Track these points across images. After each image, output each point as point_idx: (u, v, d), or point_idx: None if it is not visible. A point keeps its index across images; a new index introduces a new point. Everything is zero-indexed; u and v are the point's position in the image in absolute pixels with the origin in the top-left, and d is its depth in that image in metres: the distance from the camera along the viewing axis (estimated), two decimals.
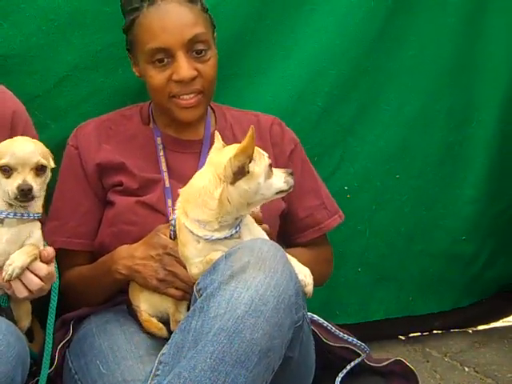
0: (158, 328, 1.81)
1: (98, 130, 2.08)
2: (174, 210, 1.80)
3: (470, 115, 2.79)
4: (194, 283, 1.63)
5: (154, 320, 1.82)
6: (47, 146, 2.11)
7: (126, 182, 1.99)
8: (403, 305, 2.84)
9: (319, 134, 2.55)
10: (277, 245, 1.62)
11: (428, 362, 2.72)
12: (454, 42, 2.71)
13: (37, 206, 1.72)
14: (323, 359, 1.91)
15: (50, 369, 1.82)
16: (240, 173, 1.63)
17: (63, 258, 1.85)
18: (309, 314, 1.78)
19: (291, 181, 1.70)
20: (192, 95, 1.96)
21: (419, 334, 2.99)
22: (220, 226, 1.66)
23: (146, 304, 1.84)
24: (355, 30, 2.54)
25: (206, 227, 1.66)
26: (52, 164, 1.74)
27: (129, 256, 1.84)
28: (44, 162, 1.68)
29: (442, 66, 2.70)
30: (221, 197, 1.63)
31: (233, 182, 1.63)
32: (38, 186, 1.66)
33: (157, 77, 1.97)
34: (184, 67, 1.93)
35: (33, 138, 1.98)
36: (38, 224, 1.74)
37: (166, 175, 2.00)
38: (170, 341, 1.55)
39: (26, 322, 1.82)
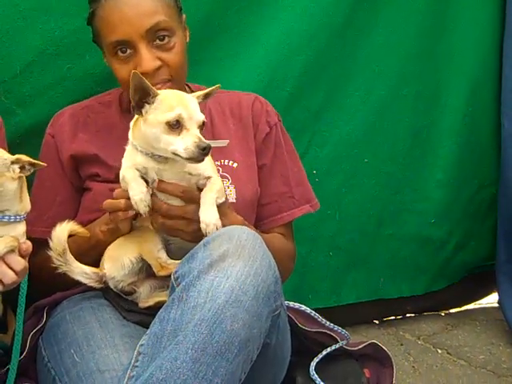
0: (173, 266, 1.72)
1: (75, 118, 2.06)
2: None
3: (437, 100, 2.83)
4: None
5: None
6: (15, 132, 2.15)
7: (102, 174, 1.98)
8: (375, 288, 2.87)
9: (288, 118, 2.53)
10: (255, 233, 1.61)
11: (402, 345, 2.76)
12: (421, 28, 2.74)
13: (19, 208, 1.69)
14: (298, 344, 1.91)
15: (20, 356, 1.80)
16: (137, 104, 1.68)
17: (40, 248, 1.81)
18: (287, 302, 1.78)
19: (195, 153, 1.60)
20: (159, 85, 1.91)
21: (393, 317, 3.02)
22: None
23: (109, 262, 1.82)
24: (322, 15, 2.56)
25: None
26: (15, 174, 1.65)
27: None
28: None
29: (410, 51, 2.73)
30: (134, 125, 1.73)
31: (134, 109, 1.69)
32: None
33: (121, 70, 1.93)
34: (146, 59, 1.88)
35: None
36: (23, 222, 1.71)
37: None
38: (148, 331, 1.52)
39: None
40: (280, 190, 2.10)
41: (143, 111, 1.69)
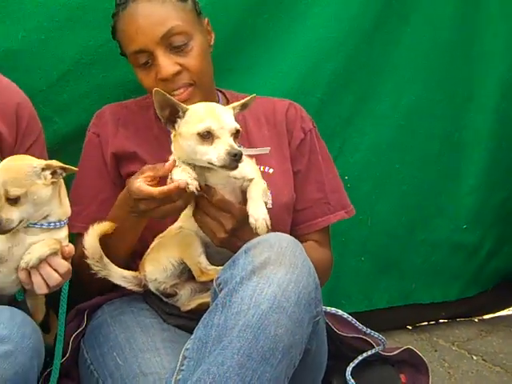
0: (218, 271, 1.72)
1: (116, 115, 2.10)
2: None
3: (468, 105, 2.83)
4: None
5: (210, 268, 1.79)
6: (53, 139, 2.19)
7: None
8: (406, 293, 2.87)
9: (318, 125, 2.53)
10: (295, 239, 1.62)
11: (436, 351, 2.74)
12: (451, 32, 2.75)
13: (60, 213, 1.72)
14: (334, 349, 1.91)
15: (62, 359, 1.83)
16: (168, 118, 1.72)
17: (79, 243, 1.85)
18: (324, 307, 1.76)
19: (227, 160, 1.63)
20: (182, 90, 1.95)
21: (425, 323, 3.00)
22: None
23: (150, 265, 1.85)
24: (352, 22, 2.58)
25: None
26: (47, 181, 1.66)
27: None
28: (13, 193, 1.61)
29: (440, 56, 2.74)
30: (173, 139, 1.75)
31: (167, 124, 1.74)
32: (15, 215, 1.62)
33: (145, 79, 1.98)
34: (164, 65, 1.92)
35: (37, 130, 2.05)
36: (65, 227, 1.74)
37: None
38: (193, 336, 1.54)
39: (40, 314, 1.84)
40: (315, 196, 2.12)
41: (176, 126, 1.73)
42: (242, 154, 1.62)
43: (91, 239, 1.85)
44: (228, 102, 2.14)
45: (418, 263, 2.85)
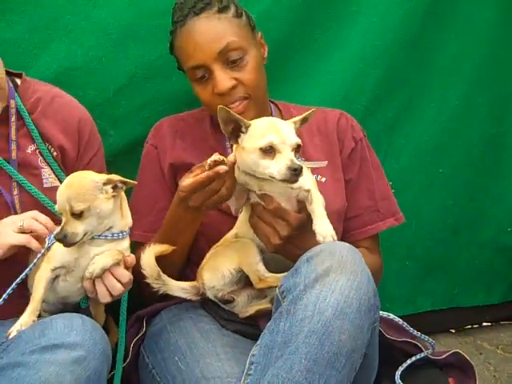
0: (276, 278, 1.81)
1: (174, 128, 2.19)
2: None
3: (511, 106, 2.84)
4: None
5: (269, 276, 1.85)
6: (109, 152, 2.29)
7: None
8: (450, 296, 2.91)
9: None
10: (354, 248, 1.69)
11: (481, 354, 2.76)
12: (493, 36, 2.77)
13: (122, 224, 1.82)
14: (384, 354, 1.94)
15: (124, 363, 1.93)
16: (231, 133, 1.79)
17: (136, 251, 1.94)
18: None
19: (288, 175, 1.69)
20: (237, 103, 2.03)
21: (469, 327, 3.02)
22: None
23: (208, 273, 1.92)
24: (396, 29, 2.63)
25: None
26: (108, 194, 1.75)
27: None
28: (77, 207, 1.71)
29: (482, 60, 2.76)
30: (237, 152, 1.81)
31: (230, 139, 1.82)
32: (80, 228, 1.71)
33: (202, 93, 2.06)
34: (220, 80, 1.99)
35: (98, 144, 2.15)
36: (127, 237, 1.84)
37: None
38: (259, 342, 1.62)
39: (101, 319, 1.95)
40: (365, 204, 2.18)
41: (239, 140, 1.80)
42: (301, 169, 1.69)
43: (148, 259, 1.93)
44: (281, 113, 2.22)
45: (462, 266, 2.89)
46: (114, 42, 2.36)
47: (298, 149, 1.76)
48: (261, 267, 1.85)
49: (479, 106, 2.81)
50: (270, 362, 1.54)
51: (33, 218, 1.83)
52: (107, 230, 1.80)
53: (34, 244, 1.80)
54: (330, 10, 2.57)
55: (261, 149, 1.73)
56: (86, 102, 2.21)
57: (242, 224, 1.93)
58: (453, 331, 2.95)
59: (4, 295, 1.76)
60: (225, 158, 1.75)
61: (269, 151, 1.72)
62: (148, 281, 1.93)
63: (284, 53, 2.51)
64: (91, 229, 1.76)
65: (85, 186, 1.74)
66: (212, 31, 2.01)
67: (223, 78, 2.00)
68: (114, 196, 1.78)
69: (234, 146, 1.85)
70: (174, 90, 2.43)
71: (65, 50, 2.31)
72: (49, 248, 1.80)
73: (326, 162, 2.05)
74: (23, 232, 1.80)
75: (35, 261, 1.80)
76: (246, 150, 1.77)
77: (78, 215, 1.72)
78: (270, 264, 1.88)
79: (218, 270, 1.91)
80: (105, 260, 1.77)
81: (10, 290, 1.77)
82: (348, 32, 2.60)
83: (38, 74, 2.21)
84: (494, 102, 2.83)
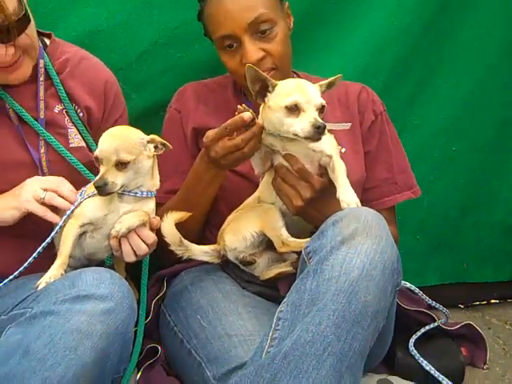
0: (299, 243, 1.85)
1: (197, 92, 2.23)
2: None
3: None
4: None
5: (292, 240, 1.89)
6: (130, 115, 2.30)
7: None
8: (458, 272, 2.95)
9: None
10: (377, 213, 1.73)
11: (490, 328, 2.78)
12: (510, 20, 2.77)
13: (151, 184, 1.85)
14: (399, 322, 1.99)
15: (146, 320, 1.97)
16: (259, 93, 1.83)
17: (157, 212, 1.95)
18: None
19: (311, 132, 1.73)
20: (265, 73, 2.03)
21: (478, 303, 3.05)
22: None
23: (230, 235, 1.96)
24: (415, 7, 2.64)
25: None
26: (151, 152, 1.81)
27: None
28: (125, 158, 1.74)
29: (499, 42, 2.77)
30: (262, 111, 1.85)
31: (257, 98, 1.85)
32: (120, 180, 1.75)
33: (230, 62, 2.09)
34: (250, 51, 2.02)
35: (122, 106, 2.18)
36: (153, 199, 1.87)
37: None
38: (286, 299, 1.66)
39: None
40: (383, 176, 2.23)
41: (266, 99, 1.84)
42: (325, 127, 1.73)
43: (169, 227, 1.96)
44: None
45: (471, 244, 2.92)
46: (138, 7, 2.38)
47: (322, 109, 1.80)
48: (284, 232, 1.89)
49: (493, 89, 2.81)
50: (298, 319, 1.58)
51: (55, 191, 1.83)
52: (137, 188, 1.83)
53: (50, 217, 1.82)
54: None
55: (286, 107, 1.77)
56: (108, 65, 2.22)
57: (264, 188, 1.97)
58: (461, 306, 2.98)
59: (34, 254, 1.78)
60: (256, 117, 1.79)
61: (294, 110, 1.76)
62: (171, 248, 1.97)
63: (306, 25, 2.52)
64: (128, 183, 1.79)
65: (133, 139, 1.79)
66: (244, 2, 2.03)
67: (252, 49, 2.02)
68: (153, 156, 1.83)
69: (261, 106, 1.88)
70: (195, 58, 2.46)
71: (90, 12, 2.33)
72: (79, 205, 1.82)
73: (350, 124, 2.08)
74: (43, 203, 1.82)
75: (64, 218, 1.82)
76: (272, 109, 1.81)
77: (121, 166, 1.75)
78: (290, 227, 1.92)
79: (239, 233, 1.95)
80: (131, 220, 1.80)
81: (40, 248, 1.79)
82: (367, 10, 2.61)
83: (64, 35, 2.21)
84: (508, 85, 2.82)
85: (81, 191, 1.87)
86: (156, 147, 1.82)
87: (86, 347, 1.51)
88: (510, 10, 2.76)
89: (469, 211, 2.91)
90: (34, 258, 1.78)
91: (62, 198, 1.83)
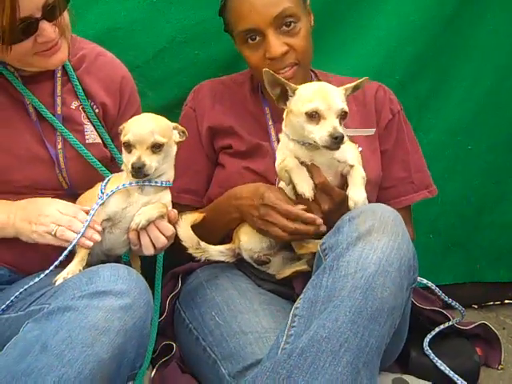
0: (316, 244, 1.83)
1: (213, 91, 2.22)
2: None
3: None
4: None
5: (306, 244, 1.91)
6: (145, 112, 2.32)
7: (234, 145, 2.12)
8: (472, 272, 2.94)
9: None
10: (394, 210, 1.73)
11: (504, 329, 2.77)
12: None
13: (167, 177, 1.86)
14: (413, 321, 1.99)
15: (160, 318, 1.99)
16: (279, 98, 1.84)
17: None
18: None
19: (329, 141, 1.72)
20: (287, 68, 2.05)
21: (491, 303, 3.03)
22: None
23: (246, 236, 1.97)
24: (431, 7, 2.63)
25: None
26: (177, 138, 1.86)
27: (239, 197, 1.97)
28: (160, 140, 1.77)
29: None
30: (285, 116, 1.86)
31: (278, 102, 1.85)
32: (153, 162, 1.77)
33: (252, 57, 2.07)
34: (274, 45, 2.00)
35: (137, 104, 2.19)
36: (169, 191, 1.88)
37: (275, 145, 2.08)
38: (302, 296, 1.66)
39: None
40: (400, 175, 2.22)
41: (287, 103, 1.84)
42: (343, 137, 1.72)
43: (185, 230, 1.97)
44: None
45: (485, 244, 2.92)
46: (156, 5, 2.39)
47: (344, 116, 1.78)
48: None
49: (510, 89, 2.80)
50: (314, 315, 1.58)
51: (68, 227, 1.78)
52: (158, 177, 1.84)
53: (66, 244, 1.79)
54: None
55: (306, 113, 1.76)
56: (125, 63, 2.22)
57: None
58: (475, 306, 2.97)
59: (60, 257, 1.76)
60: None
61: (314, 116, 1.75)
62: (189, 251, 1.98)
63: (322, 25, 2.47)
64: (159, 166, 1.80)
65: (166, 123, 1.84)
66: None
67: (276, 44, 2.01)
68: (178, 143, 1.86)
69: (285, 112, 1.87)
70: (211, 56, 2.47)
71: (108, 10, 2.34)
72: (102, 203, 1.82)
73: (374, 129, 2.07)
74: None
75: (89, 219, 1.78)
76: (294, 113, 1.81)
77: (156, 148, 1.77)
78: None
79: (256, 234, 1.95)
80: (151, 212, 1.81)
81: (66, 252, 1.76)
82: (383, 8, 2.61)
83: (82, 32, 2.20)
84: None
85: (99, 187, 1.87)
86: (180, 134, 1.86)
87: (104, 343, 1.51)
88: None
89: (483, 211, 2.90)
90: (60, 261, 1.77)
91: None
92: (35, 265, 1.88)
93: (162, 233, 1.82)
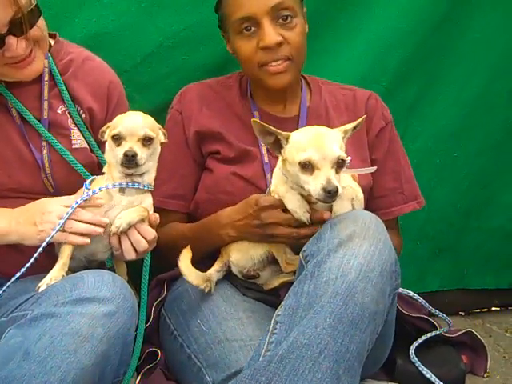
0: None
1: (201, 94, 2.20)
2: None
3: None
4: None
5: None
6: None
7: (223, 151, 2.10)
8: (459, 278, 2.95)
9: None
10: (376, 216, 1.73)
11: (490, 336, 2.78)
12: None
13: (149, 178, 1.86)
14: (398, 328, 1.98)
15: (146, 324, 1.97)
16: (273, 146, 1.80)
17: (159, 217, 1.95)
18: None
19: (322, 195, 1.67)
20: (280, 61, 2.02)
21: (478, 310, 3.05)
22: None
23: (238, 254, 1.95)
24: (420, 11, 2.64)
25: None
26: (162, 139, 1.88)
27: (231, 221, 1.94)
28: (151, 134, 1.80)
29: (503, 47, 2.77)
30: (282, 164, 1.82)
31: (274, 150, 1.82)
32: (143, 154, 1.78)
33: (245, 46, 2.04)
34: (269, 33, 1.98)
35: (125, 108, 2.18)
36: (150, 194, 1.88)
37: (264, 150, 2.07)
38: (283, 303, 1.66)
39: None
40: (391, 186, 2.22)
41: (282, 151, 1.80)
42: (337, 190, 1.67)
43: (188, 268, 1.94)
44: (309, 86, 2.24)
45: (472, 250, 2.93)
46: (144, 9, 2.39)
47: (341, 163, 1.72)
48: (288, 251, 1.89)
49: (499, 94, 2.81)
50: (295, 322, 1.58)
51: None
52: (139, 175, 1.84)
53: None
54: None
55: (299, 163, 1.72)
56: (113, 67, 2.22)
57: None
58: (462, 314, 2.98)
59: (35, 254, 1.77)
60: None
61: (307, 166, 1.71)
62: (199, 288, 1.94)
63: (310, 29, 2.48)
64: (147, 162, 1.82)
65: (153, 121, 1.88)
66: None
67: (272, 32, 1.99)
68: (161, 143, 1.89)
69: (279, 158, 1.85)
70: (199, 60, 2.47)
71: (96, 14, 2.34)
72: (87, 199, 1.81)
73: (375, 167, 2.03)
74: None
75: (65, 218, 1.78)
76: (288, 162, 1.77)
77: (146, 141, 1.80)
78: (296, 247, 1.89)
79: (246, 253, 1.94)
80: (131, 215, 1.81)
81: (40, 249, 1.77)
82: (370, 14, 2.62)
83: (69, 36, 2.21)
84: None
85: (85, 184, 1.86)
86: (164, 135, 1.89)
87: (87, 350, 1.51)
88: None
89: (469, 217, 2.91)
90: (36, 258, 1.77)
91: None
92: (19, 268, 1.86)
93: (143, 236, 1.81)
